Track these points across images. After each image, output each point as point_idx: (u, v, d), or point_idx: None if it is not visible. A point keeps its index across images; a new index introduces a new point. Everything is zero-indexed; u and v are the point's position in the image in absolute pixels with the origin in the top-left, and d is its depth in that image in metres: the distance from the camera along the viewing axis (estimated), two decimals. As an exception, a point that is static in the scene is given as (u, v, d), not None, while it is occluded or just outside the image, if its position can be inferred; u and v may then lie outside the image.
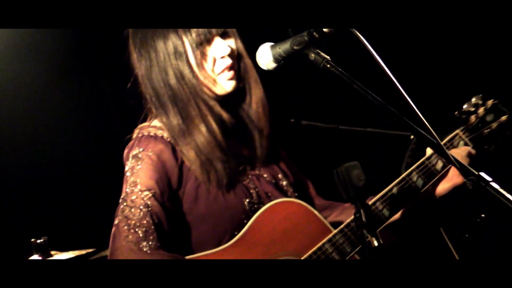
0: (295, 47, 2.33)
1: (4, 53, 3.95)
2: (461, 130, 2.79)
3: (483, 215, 2.68)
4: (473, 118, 2.79)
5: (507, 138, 2.78)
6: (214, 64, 2.62)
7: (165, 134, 2.61)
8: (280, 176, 2.77)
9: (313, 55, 2.30)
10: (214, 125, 2.58)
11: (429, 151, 2.78)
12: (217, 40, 2.62)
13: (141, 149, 2.57)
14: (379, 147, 4.05)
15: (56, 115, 4.06)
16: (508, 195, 2.07)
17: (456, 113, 2.80)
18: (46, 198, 3.98)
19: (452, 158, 2.16)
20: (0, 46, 3.91)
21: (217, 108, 2.61)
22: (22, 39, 3.94)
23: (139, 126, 2.70)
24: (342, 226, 2.64)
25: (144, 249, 2.43)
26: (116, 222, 2.50)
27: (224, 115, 2.61)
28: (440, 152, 2.25)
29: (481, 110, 2.79)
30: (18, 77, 4.00)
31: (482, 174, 2.10)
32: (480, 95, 2.80)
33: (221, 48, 2.62)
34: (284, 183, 2.76)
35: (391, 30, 4.06)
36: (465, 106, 2.81)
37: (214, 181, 2.58)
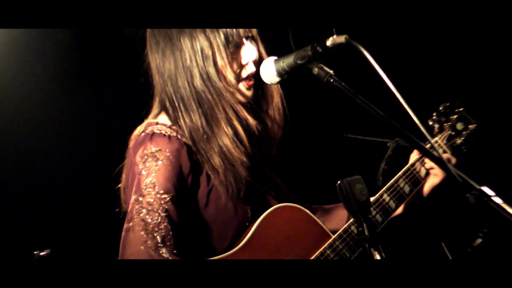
0: (298, 62, 2.35)
1: (7, 55, 3.93)
2: (440, 138, 2.89)
3: (485, 230, 2.71)
4: (447, 126, 2.89)
5: (472, 145, 2.90)
6: (239, 69, 2.58)
7: (176, 134, 2.53)
8: (268, 184, 2.80)
9: (316, 69, 2.32)
10: (240, 129, 2.54)
11: (412, 158, 2.88)
12: (246, 43, 2.59)
13: (158, 148, 2.46)
14: (355, 154, 4.13)
15: (58, 122, 4.00)
16: (510, 210, 2.08)
17: (429, 122, 2.89)
18: (48, 209, 3.94)
19: (455, 172, 2.18)
20: (4, 47, 3.89)
21: (244, 113, 2.56)
22: (25, 41, 3.91)
23: (146, 121, 2.63)
24: (340, 231, 2.71)
25: (165, 255, 2.35)
26: (130, 224, 2.39)
27: (250, 120, 2.57)
28: (442, 165, 2.26)
29: (452, 119, 2.90)
30: (20, 80, 3.96)
31: (484, 188, 2.12)
32: (448, 103, 2.90)
33: (249, 52, 2.59)
34: (273, 192, 2.79)
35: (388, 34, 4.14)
36: (435, 115, 2.90)
37: (231, 189, 2.53)
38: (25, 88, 3.87)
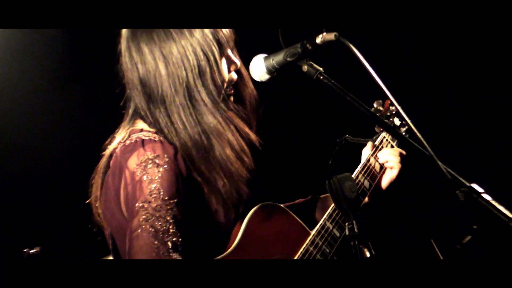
0: (288, 59, 2.34)
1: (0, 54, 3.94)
2: (386, 134, 2.93)
3: (475, 226, 2.71)
4: (388, 122, 2.93)
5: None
6: (226, 76, 2.53)
7: (164, 139, 2.44)
8: None
9: (306, 66, 2.31)
10: (243, 144, 2.49)
11: (365, 153, 2.90)
12: (230, 52, 2.53)
13: (156, 154, 2.35)
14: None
15: (52, 120, 4.01)
16: (499, 207, 2.08)
17: None
18: (38, 207, 3.94)
19: (444, 169, 2.17)
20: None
21: (244, 127, 2.52)
22: (18, 41, 3.92)
23: (128, 129, 2.51)
24: (318, 227, 2.71)
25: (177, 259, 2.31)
26: (139, 231, 2.30)
27: (252, 135, 2.53)
28: (433, 164, 2.25)
29: (389, 116, 2.95)
30: (12, 80, 3.97)
31: (474, 185, 2.11)
32: (380, 100, 2.92)
33: (234, 60, 2.54)
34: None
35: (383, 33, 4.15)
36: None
37: (229, 203, 2.52)
38: (17, 86, 3.88)
